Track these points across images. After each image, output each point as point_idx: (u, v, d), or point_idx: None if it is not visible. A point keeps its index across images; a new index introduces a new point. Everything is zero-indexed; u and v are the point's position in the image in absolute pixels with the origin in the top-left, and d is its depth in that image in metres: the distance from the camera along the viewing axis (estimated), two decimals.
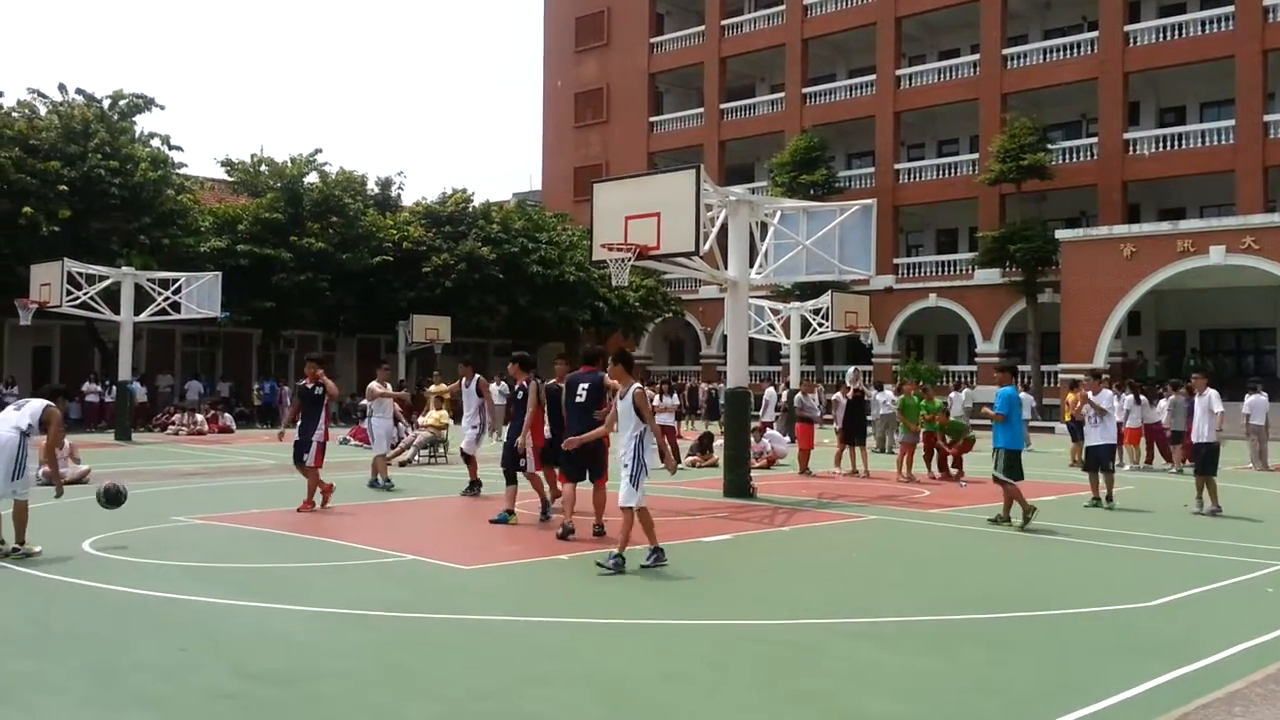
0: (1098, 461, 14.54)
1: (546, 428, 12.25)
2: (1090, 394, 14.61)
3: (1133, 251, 35.08)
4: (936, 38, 46.66)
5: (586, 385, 11.04)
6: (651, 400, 20.86)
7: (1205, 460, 14.16)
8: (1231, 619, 7.80)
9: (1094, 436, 14.56)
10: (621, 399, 9.51)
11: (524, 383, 12.29)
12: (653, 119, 52.84)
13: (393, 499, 14.48)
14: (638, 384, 9.56)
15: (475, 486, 14.80)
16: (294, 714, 5.41)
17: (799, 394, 21.93)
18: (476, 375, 15.05)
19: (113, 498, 10.93)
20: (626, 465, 9.18)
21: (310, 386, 13.36)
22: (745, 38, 50.06)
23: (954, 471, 18.40)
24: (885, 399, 24.22)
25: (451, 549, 9.21)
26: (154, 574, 8.89)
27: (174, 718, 5.31)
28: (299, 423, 13.31)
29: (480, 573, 8.82)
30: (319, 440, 13.10)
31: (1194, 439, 14.69)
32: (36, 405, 10.04)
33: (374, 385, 16.31)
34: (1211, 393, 14.58)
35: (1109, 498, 14.42)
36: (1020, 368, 40.73)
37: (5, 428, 9.71)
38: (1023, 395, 27.70)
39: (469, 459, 14.89)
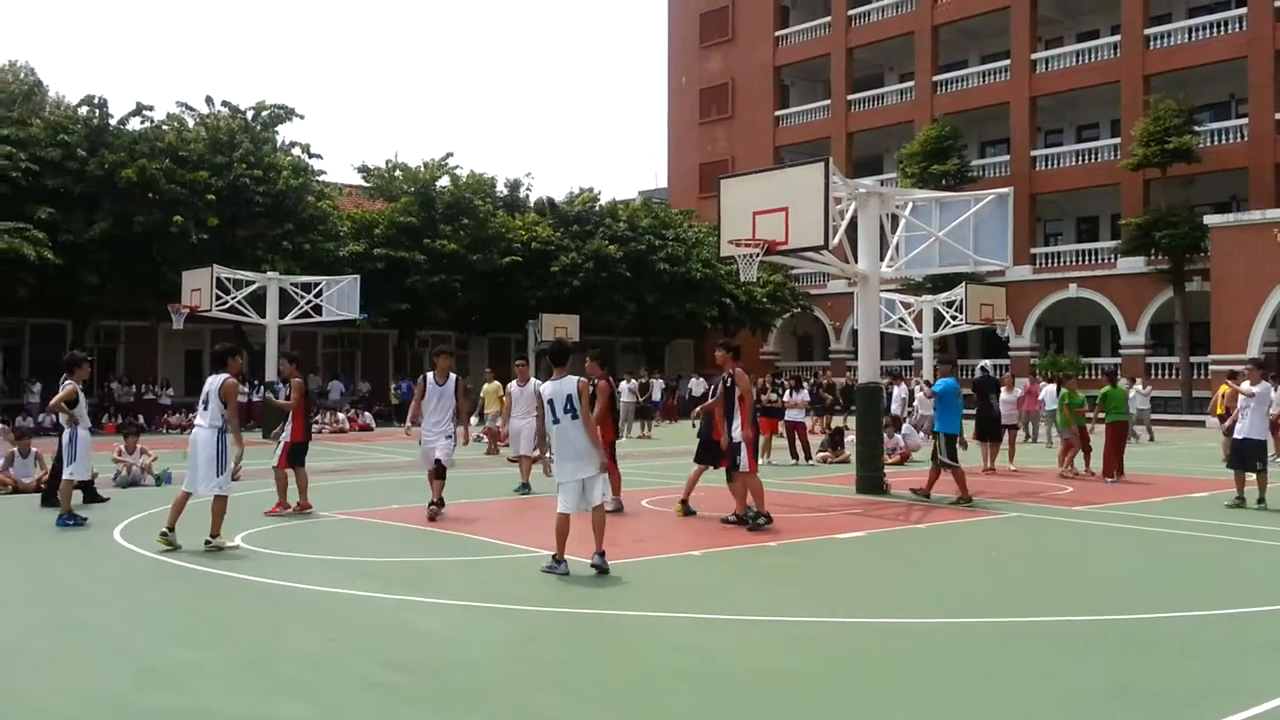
0: (1243, 458, 13.53)
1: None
2: (1248, 384, 13.71)
3: None
4: (1074, 19, 45.08)
5: (729, 378, 11.42)
6: (780, 396, 21.01)
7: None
8: None
9: (1246, 430, 13.46)
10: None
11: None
12: (778, 113, 52.38)
13: (528, 496, 14.70)
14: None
15: (437, 505, 12.39)
16: (436, 704, 5.58)
17: None
18: (453, 374, 12.84)
19: None
20: None
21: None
22: (873, 27, 49.20)
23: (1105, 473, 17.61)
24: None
25: (584, 545, 9.33)
26: (302, 567, 9.25)
27: (324, 706, 5.52)
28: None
29: (613, 568, 8.92)
30: (284, 440, 12.56)
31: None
32: (214, 385, 10.16)
33: (513, 384, 15.94)
34: None
35: (1260, 499, 13.41)
36: (1167, 359, 39.22)
37: (201, 429, 10.15)
38: (1134, 389, 26.79)
39: (440, 471, 12.52)
